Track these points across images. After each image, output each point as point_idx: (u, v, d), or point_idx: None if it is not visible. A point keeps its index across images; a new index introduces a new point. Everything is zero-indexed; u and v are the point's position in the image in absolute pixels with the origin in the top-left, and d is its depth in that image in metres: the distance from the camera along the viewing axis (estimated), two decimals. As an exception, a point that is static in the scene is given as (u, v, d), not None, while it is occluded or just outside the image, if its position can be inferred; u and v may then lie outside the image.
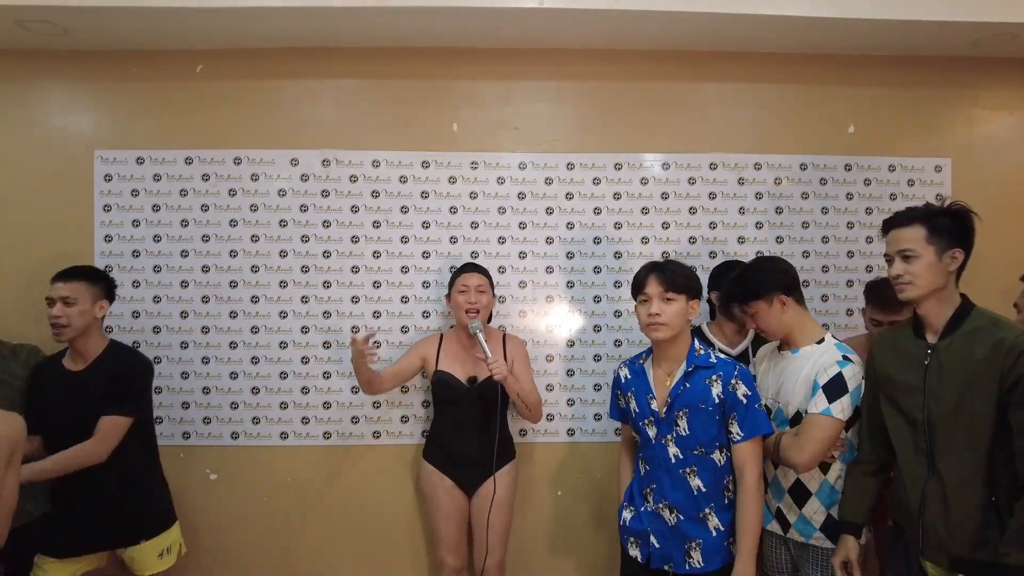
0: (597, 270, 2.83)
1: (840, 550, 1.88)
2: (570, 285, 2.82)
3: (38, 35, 2.58)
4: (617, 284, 2.83)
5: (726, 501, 1.95)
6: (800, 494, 1.98)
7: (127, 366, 2.25)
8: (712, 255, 2.82)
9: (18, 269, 2.70)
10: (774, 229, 2.85)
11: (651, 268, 1.97)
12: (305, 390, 2.79)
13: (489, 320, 2.62)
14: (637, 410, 2.03)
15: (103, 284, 2.28)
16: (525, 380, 2.51)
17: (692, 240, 2.84)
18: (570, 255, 2.82)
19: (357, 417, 2.79)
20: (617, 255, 2.83)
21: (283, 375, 2.78)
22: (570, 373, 2.83)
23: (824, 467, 1.95)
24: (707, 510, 1.93)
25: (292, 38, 2.68)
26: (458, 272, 2.53)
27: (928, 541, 1.72)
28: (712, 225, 2.84)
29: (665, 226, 2.83)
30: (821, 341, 1.98)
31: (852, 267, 2.85)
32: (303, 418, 2.78)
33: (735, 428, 1.88)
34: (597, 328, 2.83)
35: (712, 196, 2.84)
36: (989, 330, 1.65)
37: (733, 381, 1.89)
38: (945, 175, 2.87)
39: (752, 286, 2.00)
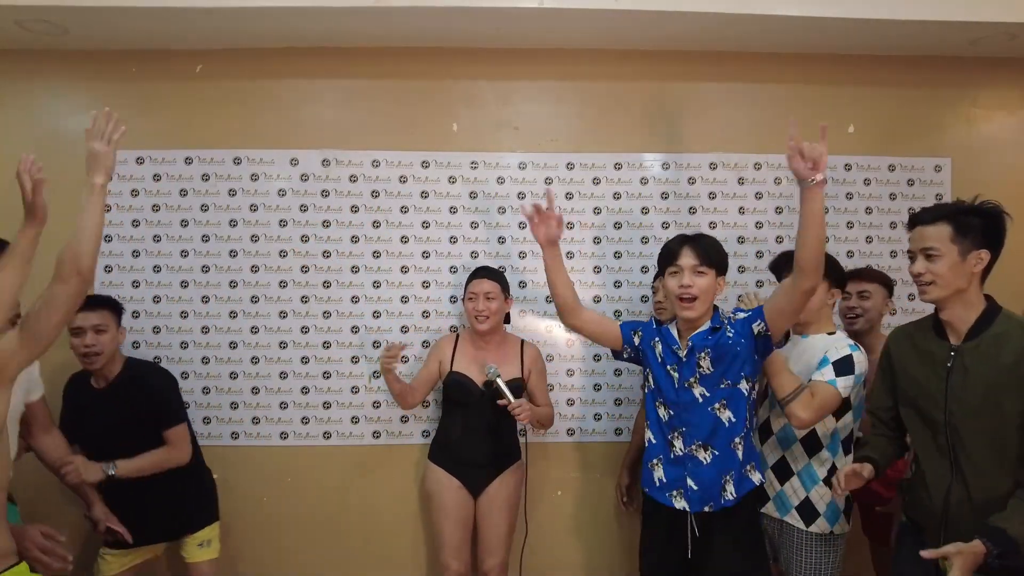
0: (597, 270, 2.83)
1: (851, 465, 1.82)
2: (570, 285, 2.82)
3: (38, 35, 2.58)
4: (617, 284, 2.83)
5: (749, 426, 1.97)
6: (783, 471, 2.05)
7: (159, 384, 2.37)
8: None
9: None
10: (774, 229, 2.85)
11: (684, 240, 1.99)
12: (305, 390, 2.79)
13: (507, 321, 2.63)
14: (662, 356, 2.03)
15: (118, 311, 2.36)
16: (540, 394, 2.53)
17: (692, 240, 2.84)
18: (570, 255, 2.82)
19: (357, 417, 2.79)
20: (617, 255, 2.83)
21: (283, 375, 2.78)
22: (570, 373, 2.83)
23: (812, 450, 2.00)
24: (737, 439, 1.93)
25: (292, 38, 2.68)
26: (470, 277, 2.52)
27: (952, 542, 1.64)
28: (712, 225, 2.84)
29: (665, 226, 2.83)
30: (832, 333, 2.06)
31: (852, 267, 2.84)
32: (303, 418, 2.78)
33: (758, 327, 1.91)
34: (597, 328, 2.83)
35: (712, 196, 2.84)
36: (1019, 335, 1.61)
37: (738, 327, 1.96)
38: (945, 175, 2.87)
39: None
